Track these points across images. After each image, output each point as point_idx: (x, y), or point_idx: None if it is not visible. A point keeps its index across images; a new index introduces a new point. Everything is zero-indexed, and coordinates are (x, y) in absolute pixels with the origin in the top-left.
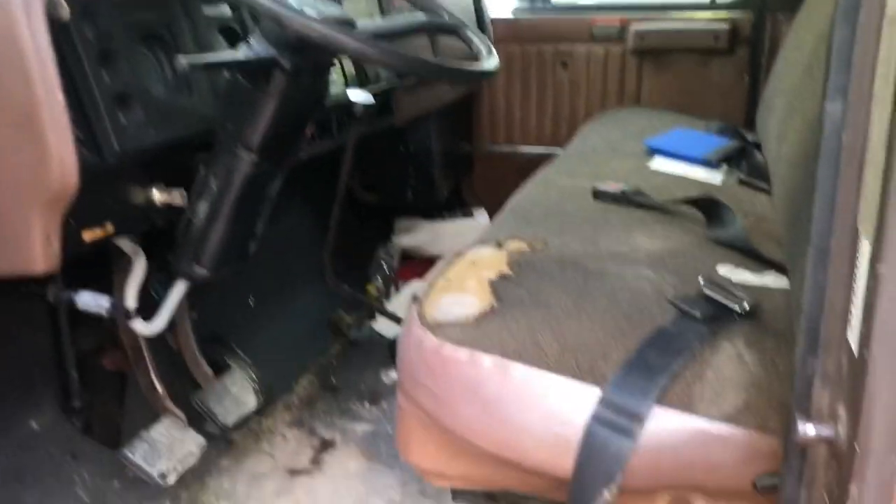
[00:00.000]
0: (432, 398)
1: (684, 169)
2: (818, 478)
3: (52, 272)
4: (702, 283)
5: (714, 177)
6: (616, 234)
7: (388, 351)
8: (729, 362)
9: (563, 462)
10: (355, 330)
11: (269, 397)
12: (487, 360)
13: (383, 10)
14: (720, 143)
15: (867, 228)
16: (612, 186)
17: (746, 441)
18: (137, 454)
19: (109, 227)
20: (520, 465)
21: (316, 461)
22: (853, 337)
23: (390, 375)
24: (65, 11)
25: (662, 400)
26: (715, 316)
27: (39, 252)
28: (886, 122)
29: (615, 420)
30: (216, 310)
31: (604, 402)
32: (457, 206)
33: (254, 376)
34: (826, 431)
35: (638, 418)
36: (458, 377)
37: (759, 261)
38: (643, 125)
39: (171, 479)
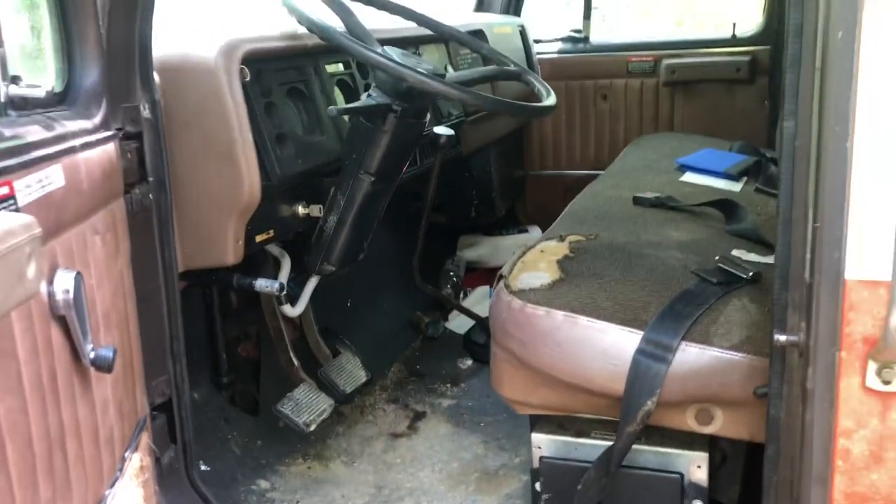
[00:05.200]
0: (519, 344)
1: (710, 181)
2: (794, 376)
3: (237, 264)
4: (717, 259)
5: (735, 186)
6: (652, 228)
7: (462, 343)
8: (736, 311)
9: (617, 385)
10: (432, 327)
11: (372, 376)
12: (559, 315)
13: (452, 61)
14: (741, 160)
15: (812, 202)
16: (648, 194)
17: (748, 363)
18: (287, 408)
19: (272, 233)
20: (585, 389)
21: (412, 427)
22: (807, 274)
23: (466, 363)
24: (247, 75)
25: (687, 337)
26: (727, 281)
27: (231, 249)
28: (821, 134)
29: (654, 351)
30: (325, 309)
31: (645, 340)
32: (513, 223)
33: (360, 359)
34: (794, 337)
35: (670, 349)
36: (538, 327)
37: (766, 246)
38: (675, 147)
39: (313, 427)
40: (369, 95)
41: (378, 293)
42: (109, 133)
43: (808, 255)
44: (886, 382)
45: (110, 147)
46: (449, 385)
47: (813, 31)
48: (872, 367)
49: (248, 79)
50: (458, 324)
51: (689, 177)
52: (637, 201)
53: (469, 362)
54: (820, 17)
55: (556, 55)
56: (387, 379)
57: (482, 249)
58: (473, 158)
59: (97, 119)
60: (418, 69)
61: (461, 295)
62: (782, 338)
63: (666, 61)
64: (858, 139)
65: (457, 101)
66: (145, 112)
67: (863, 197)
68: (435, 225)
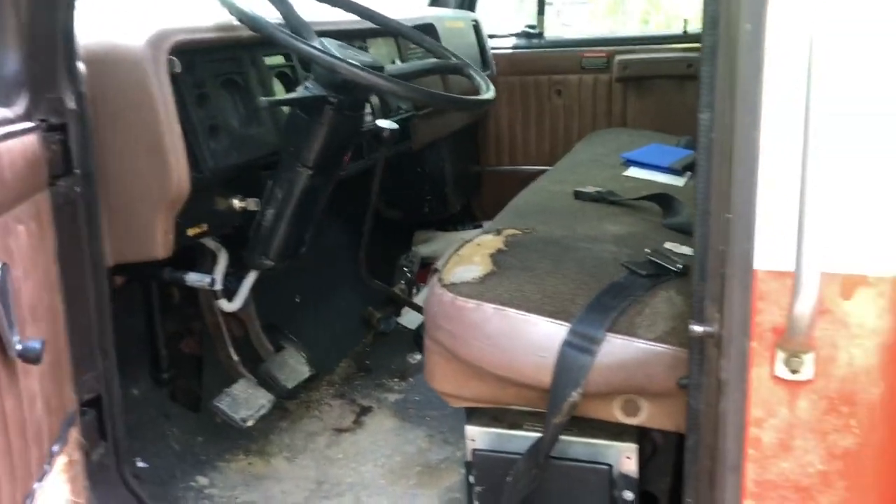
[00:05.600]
0: (450, 337)
1: (653, 176)
2: (711, 367)
3: (167, 258)
4: (648, 251)
5: (678, 181)
6: (590, 222)
7: (413, 338)
8: (662, 303)
9: (545, 377)
10: (384, 323)
11: (318, 371)
12: (489, 307)
13: (401, 54)
14: (686, 154)
15: (727, 193)
16: (589, 189)
17: (672, 355)
18: (224, 404)
19: (205, 227)
20: (515, 382)
21: (357, 422)
22: (722, 265)
23: (416, 358)
24: (177, 66)
25: (612, 329)
26: (657, 274)
27: (160, 243)
28: (732, 125)
29: (580, 344)
30: (270, 304)
31: (572, 332)
32: (468, 218)
33: (304, 354)
34: (709, 328)
35: (596, 341)
36: (469, 320)
37: None
38: (625, 142)
39: (250, 423)
40: (306, 87)
41: (329, 289)
42: (31, 124)
43: (723, 247)
44: (794, 371)
45: (32, 138)
46: (397, 380)
47: (726, 23)
48: (781, 356)
49: (178, 70)
50: (411, 319)
51: (633, 172)
52: (578, 196)
53: (418, 357)
54: (731, 10)
55: (510, 51)
56: (334, 374)
57: (437, 245)
58: (426, 154)
59: (18, 109)
60: (351, 61)
61: (414, 290)
62: (699, 329)
63: (619, 57)
64: (766, 131)
65: (391, 95)
66: (70, 103)
67: (771, 188)
68: (389, 220)
